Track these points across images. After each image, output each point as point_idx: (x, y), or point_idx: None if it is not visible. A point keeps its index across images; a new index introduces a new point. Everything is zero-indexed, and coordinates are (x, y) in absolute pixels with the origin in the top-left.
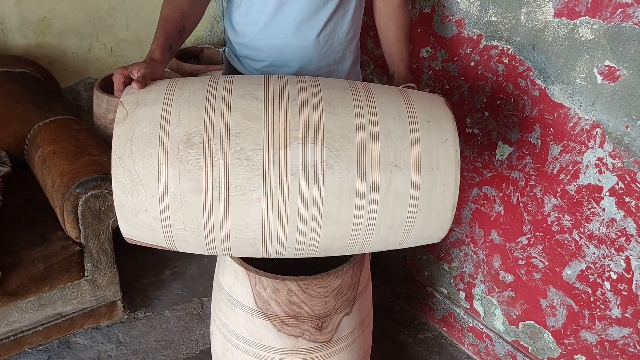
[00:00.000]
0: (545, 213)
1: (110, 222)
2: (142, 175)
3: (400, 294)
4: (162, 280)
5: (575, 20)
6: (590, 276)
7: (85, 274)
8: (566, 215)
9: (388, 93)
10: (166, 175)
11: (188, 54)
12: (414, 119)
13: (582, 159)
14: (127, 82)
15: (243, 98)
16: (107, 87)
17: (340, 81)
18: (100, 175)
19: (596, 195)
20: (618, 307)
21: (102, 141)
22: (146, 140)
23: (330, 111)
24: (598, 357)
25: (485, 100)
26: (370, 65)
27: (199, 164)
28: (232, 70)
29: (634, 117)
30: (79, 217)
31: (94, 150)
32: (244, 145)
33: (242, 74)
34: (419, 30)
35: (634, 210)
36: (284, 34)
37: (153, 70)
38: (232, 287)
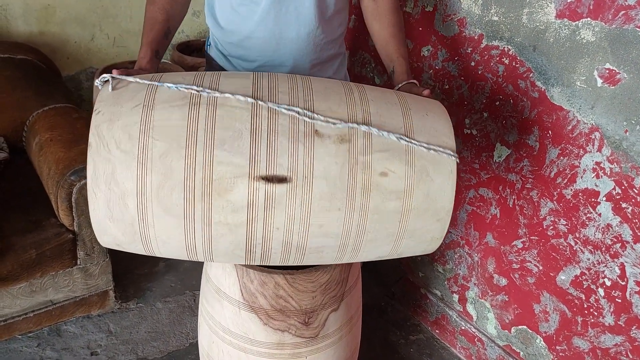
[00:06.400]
0: (541, 217)
1: None
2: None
3: (394, 294)
4: (156, 272)
5: (577, 22)
6: (584, 282)
7: (78, 262)
8: (562, 220)
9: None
10: None
11: (191, 47)
12: None
13: (579, 163)
14: None
15: None
16: None
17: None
18: None
19: (593, 200)
20: (611, 315)
21: None
22: None
23: None
24: None
25: (484, 101)
26: (371, 62)
27: None
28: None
29: (633, 122)
30: (73, 204)
31: None
32: None
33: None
34: (420, 29)
35: (630, 217)
36: (280, 30)
37: None
38: (220, 279)
